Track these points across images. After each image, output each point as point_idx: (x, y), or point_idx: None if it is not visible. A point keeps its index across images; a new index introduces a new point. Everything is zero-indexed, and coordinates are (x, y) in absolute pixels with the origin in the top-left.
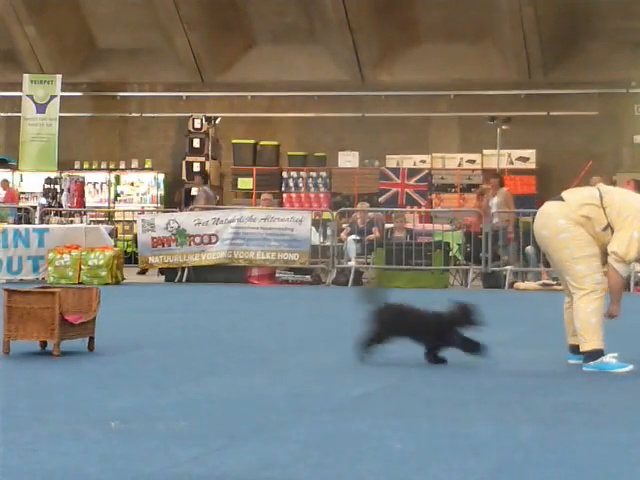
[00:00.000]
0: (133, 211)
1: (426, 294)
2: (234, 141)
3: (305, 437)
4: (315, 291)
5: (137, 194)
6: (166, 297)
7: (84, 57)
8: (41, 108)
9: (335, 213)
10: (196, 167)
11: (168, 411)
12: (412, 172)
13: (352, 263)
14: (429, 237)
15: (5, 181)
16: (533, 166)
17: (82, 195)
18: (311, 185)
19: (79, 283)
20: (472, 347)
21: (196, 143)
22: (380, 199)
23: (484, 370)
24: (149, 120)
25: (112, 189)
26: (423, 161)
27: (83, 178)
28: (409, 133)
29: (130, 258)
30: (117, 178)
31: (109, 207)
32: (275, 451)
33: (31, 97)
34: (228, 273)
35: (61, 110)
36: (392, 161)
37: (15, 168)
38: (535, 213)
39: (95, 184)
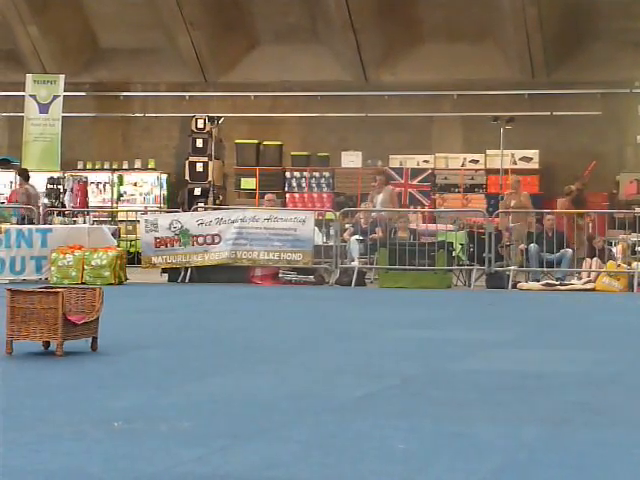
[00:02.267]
0: (136, 211)
1: (429, 294)
2: (237, 141)
3: (307, 437)
4: (318, 291)
5: (140, 194)
6: (169, 297)
7: (87, 57)
8: (44, 108)
9: (338, 213)
10: (199, 167)
11: (171, 411)
12: (415, 172)
13: (355, 263)
14: (432, 237)
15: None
16: (536, 166)
17: (85, 195)
18: (314, 185)
19: (82, 283)
20: None
21: (199, 143)
22: None
23: (486, 370)
24: (152, 120)
25: (115, 189)
26: (426, 161)
27: (86, 178)
28: (412, 133)
29: (133, 258)
30: (120, 178)
31: (112, 207)
32: (277, 451)
33: (34, 97)
34: (231, 273)
35: (64, 110)
36: (395, 161)
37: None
38: (538, 213)
39: (98, 184)
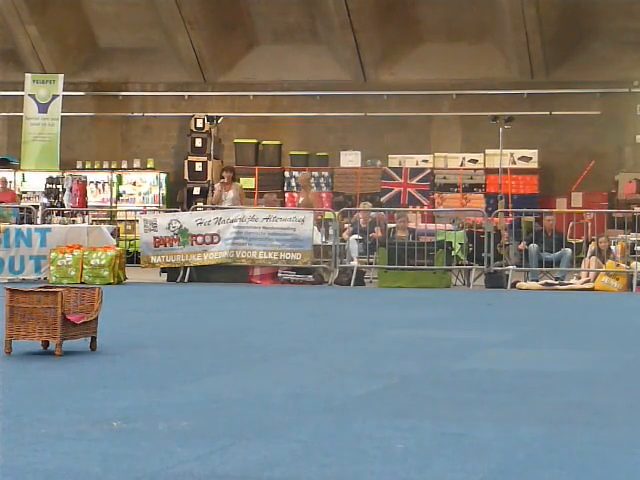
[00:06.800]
0: (135, 211)
1: (428, 294)
2: (236, 141)
3: (307, 437)
4: (317, 291)
5: (139, 194)
6: (168, 297)
7: (86, 57)
8: (43, 108)
9: (337, 213)
10: (198, 167)
11: (170, 411)
12: (414, 172)
13: (354, 263)
14: (431, 237)
15: (4, 179)
16: (535, 166)
17: (84, 195)
18: (313, 185)
19: (81, 283)
20: None
21: (198, 143)
22: (382, 199)
23: (486, 370)
24: (151, 120)
25: (114, 189)
26: (425, 161)
27: (85, 178)
28: (411, 133)
29: (132, 258)
30: (119, 178)
31: (111, 207)
32: (277, 451)
33: (33, 97)
34: (230, 273)
35: (63, 110)
36: (394, 161)
37: (17, 168)
38: (537, 213)
39: (97, 184)
